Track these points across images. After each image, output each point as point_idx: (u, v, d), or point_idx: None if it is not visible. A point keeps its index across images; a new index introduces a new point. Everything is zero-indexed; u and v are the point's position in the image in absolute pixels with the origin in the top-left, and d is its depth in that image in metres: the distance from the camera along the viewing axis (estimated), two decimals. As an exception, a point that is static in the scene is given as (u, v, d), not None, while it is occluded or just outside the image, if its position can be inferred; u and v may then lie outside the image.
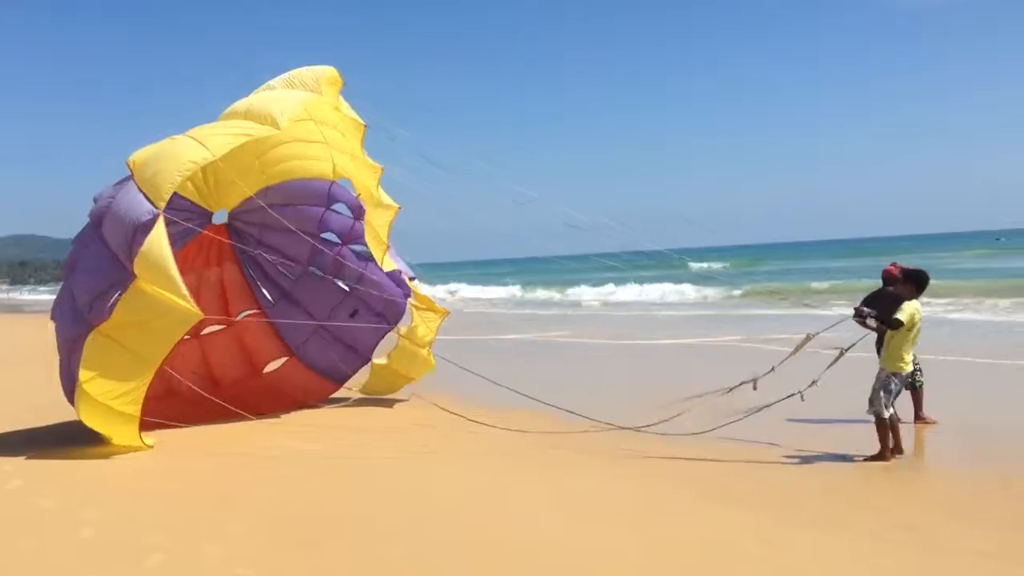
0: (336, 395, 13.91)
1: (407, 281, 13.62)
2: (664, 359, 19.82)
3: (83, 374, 9.52)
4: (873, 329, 9.80)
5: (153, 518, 7.40)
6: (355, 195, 12.85)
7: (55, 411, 11.34)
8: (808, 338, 9.80)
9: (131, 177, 10.12)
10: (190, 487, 8.71)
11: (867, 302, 10.18)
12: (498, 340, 23.08)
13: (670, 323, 27.90)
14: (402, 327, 13.74)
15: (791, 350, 9.96)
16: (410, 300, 13.74)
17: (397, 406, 13.38)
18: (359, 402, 13.50)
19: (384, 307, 13.77)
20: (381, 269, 13.01)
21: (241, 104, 11.18)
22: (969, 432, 10.42)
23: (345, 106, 12.34)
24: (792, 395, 9.61)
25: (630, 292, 42.50)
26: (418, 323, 13.63)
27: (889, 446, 9.07)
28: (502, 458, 9.75)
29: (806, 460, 9.19)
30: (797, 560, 6.13)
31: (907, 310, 9.07)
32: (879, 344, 9.77)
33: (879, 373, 9.23)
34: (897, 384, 9.17)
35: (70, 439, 10.44)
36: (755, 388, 9.93)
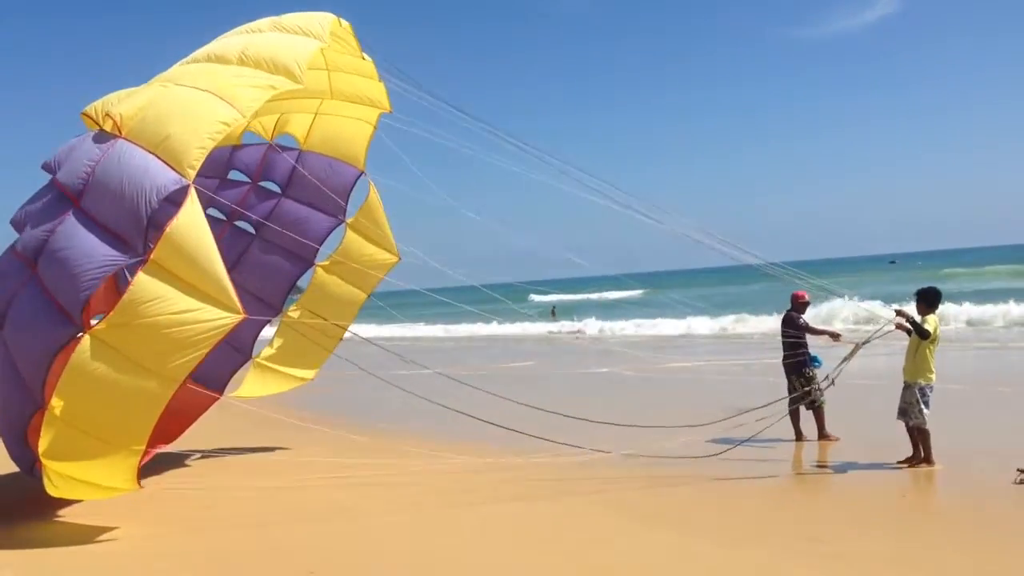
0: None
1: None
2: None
3: (65, 397, 7.37)
4: (906, 330, 10.13)
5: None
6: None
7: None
8: (857, 347, 10.49)
9: (120, 137, 8.06)
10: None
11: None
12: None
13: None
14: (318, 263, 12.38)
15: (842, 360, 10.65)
16: (349, 220, 12.34)
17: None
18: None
19: (301, 246, 11.99)
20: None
21: (227, 46, 9.22)
22: (870, 446, 10.94)
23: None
24: (805, 394, 10.82)
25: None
26: (354, 245, 12.27)
27: (932, 453, 9.64)
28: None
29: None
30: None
31: (931, 322, 9.76)
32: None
33: (910, 387, 9.78)
34: (929, 395, 9.72)
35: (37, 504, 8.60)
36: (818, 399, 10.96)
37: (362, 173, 12.26)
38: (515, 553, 7.13)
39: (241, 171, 12.04)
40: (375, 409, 12.94)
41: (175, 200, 7.70)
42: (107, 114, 8.32)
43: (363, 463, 10.11)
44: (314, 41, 9.19)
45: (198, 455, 10.77)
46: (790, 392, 11.65)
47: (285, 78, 8.58)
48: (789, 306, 12.08)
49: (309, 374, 12.70)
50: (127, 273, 8.14)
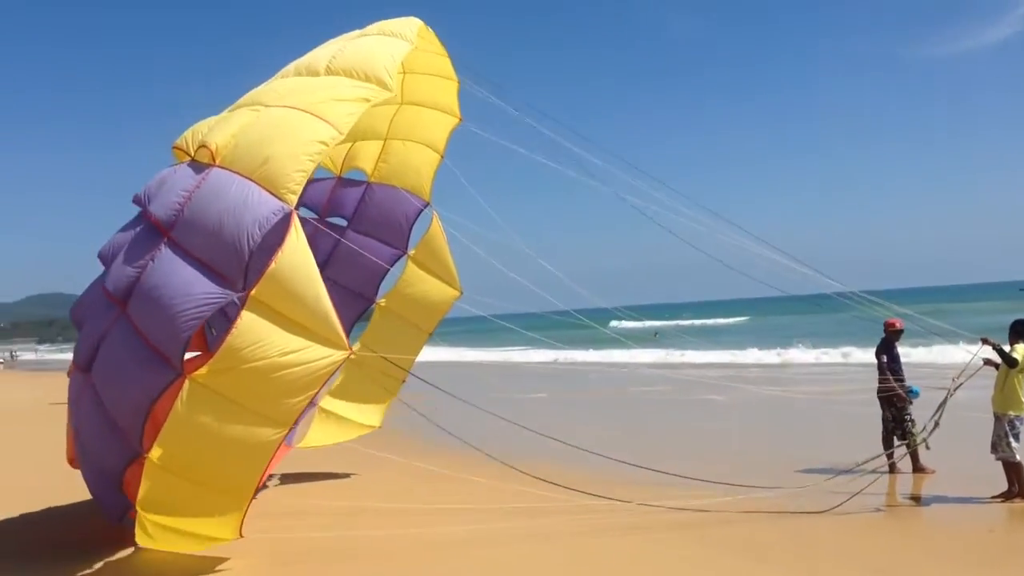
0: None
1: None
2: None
3: (168, 445, 7.03)
4: (993, 364, 9.91)
5: None
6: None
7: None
8: (949, 393, 10.14)
9: (214, 166, 7.68)
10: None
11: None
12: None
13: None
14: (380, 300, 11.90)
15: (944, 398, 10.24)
16: (410, 254, 11.85)
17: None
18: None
19: (363, 282, 11.82)
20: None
21: (315, 58, 8.94)
22: (967, 480, 10.54)
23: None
24: (917, 437, 10.62)
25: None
26: (415, 279, 11.77)
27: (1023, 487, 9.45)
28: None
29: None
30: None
31: (1020, 351, 9.61)
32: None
33: (1000, 419, 9.59)
34: (1019, 426, 9.50)
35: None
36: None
37: (427, 204, 11.83)
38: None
39: (308, 207, 11.56)
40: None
41: (278, 230, 7.25)
42: (203, 145, 7.96)
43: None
44: (402, 43, 8.84)
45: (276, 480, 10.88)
46: (884, 422, 11.46)
47: (376, 86, 8.17)
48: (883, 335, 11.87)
49: (375, 421, 12.13)
50: (225, 312, 7.90)
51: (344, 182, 11.94)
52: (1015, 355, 9.58)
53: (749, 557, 7.79)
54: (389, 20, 9.42)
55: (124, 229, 8.08)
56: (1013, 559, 7.84)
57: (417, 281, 11.89)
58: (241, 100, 8.79)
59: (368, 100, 8.09)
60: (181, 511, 7.39)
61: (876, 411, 11.61)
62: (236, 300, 7.16)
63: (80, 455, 8.34)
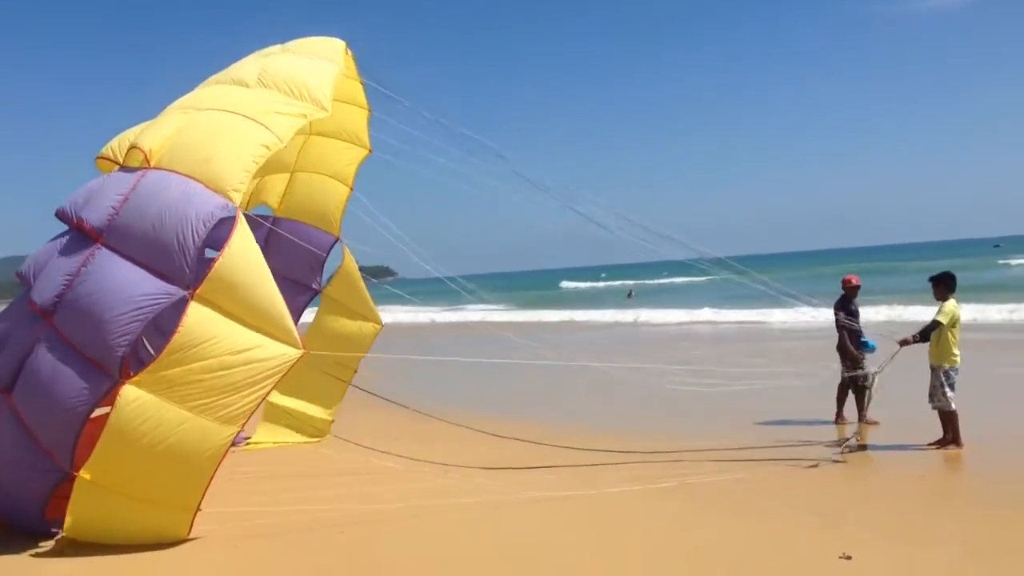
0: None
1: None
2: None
3: (105, 459, 6.58)
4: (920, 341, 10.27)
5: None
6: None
7: None
8: (873, 377, 10.84)
9: (149, 168, 7.43)
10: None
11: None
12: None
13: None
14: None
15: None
16: (326, 288, 11.54)
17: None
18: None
19: (307, 269, 11.40)
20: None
21: (242, 70, 8.78)
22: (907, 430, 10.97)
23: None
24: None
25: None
26: (330, 319, 11.44)
27: (960, 435, 9.91)
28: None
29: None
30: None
31: (945, 310, 10.10)
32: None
33: (935, 370, 10.06)
34: (954, 376, 9.97)
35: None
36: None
37: (337, 239, 11.55)
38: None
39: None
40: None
41: (223, 228, 7.11)
42: (134, 147, 7.70)
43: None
44: (331, 65, 8.86)
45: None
46: (841, 375, 11.79)
47: (312, 105, 8.17)
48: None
49: (327, 416, 11.64)
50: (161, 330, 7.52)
51: (250, 219, 11.25)
52: (939, 317, 10.06)
53: (696, 505, 8.11)
54: (312, 38, 9.48)
55: (47, 244, 7.60)
56: (939, 501, 8.39)
57: (332, 321, 11.58)
58: (168, 108, 8.56)
59: (306, 116, 8.18)
60: (119, 531, 6.80)
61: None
62: (185, 296, 6.85)
63: None
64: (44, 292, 7.02)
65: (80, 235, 7.28)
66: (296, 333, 7.14)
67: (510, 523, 7.75)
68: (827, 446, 10.30)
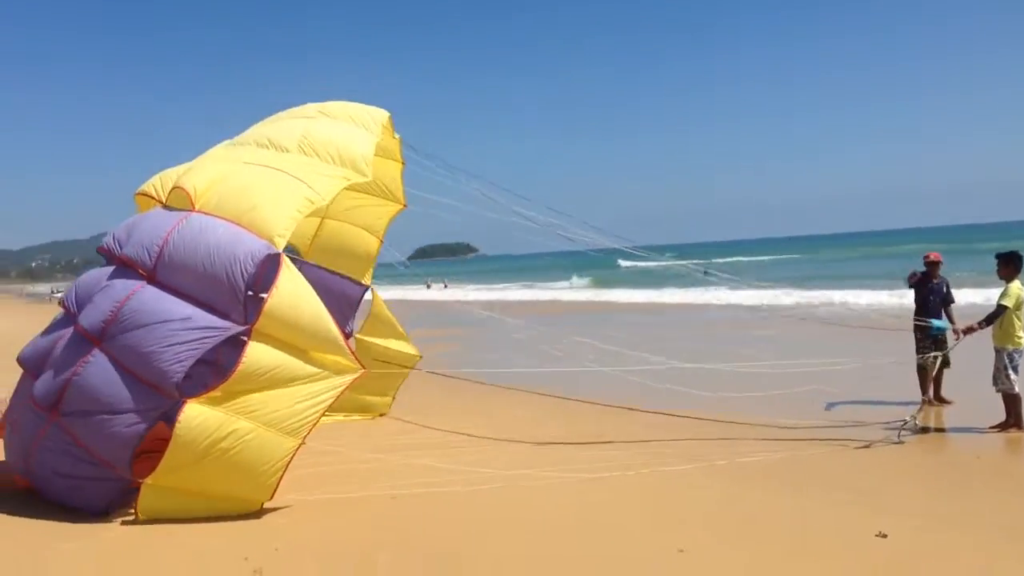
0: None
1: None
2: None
3: (171, 471, 7.03)
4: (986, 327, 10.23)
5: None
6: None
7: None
8: (937, 358, 11.01)
9: (194, 211, 7.89)
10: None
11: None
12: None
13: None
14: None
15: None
16: (357, 336, 11.48)
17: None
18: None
19: (339, 316, 10.67)
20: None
21: (282, 133, 9.07)
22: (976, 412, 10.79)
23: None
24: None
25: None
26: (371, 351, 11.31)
27: (1022, 418, 9.88)
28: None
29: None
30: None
31: (1010, 292, 10.02)
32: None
33: (999, 352, 10.03)
34: (1017, 359, 9.96)
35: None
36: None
37: (367, 288, 11.76)
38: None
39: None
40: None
41: (271, 268, 7.53)
42: (177, 187, 8.14)
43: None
44: (370, 135, 9.18)
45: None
46: (918, 352, 11.57)
47: (352, 171, 8.61)
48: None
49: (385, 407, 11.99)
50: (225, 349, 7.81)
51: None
52: (1004, 300, 9.97)
53: (736, 481, 8.26)
54: (354, 104, 9.73)
55: (89, 276, 8.06)
56: (988, 483, 8.28)
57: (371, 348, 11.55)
58: (208, 154, 9.09)
59: (348, 180, 8.57)
60: (192, 512, 7.22)
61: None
62: (243, 331, 7.29)
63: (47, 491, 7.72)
64: (92, 318, 7.43)
65: (124, 268, 7.72)
66: (351, 352, 7.60)
67: (566, 497, 7.97)
68: (885, 428, 10.29)
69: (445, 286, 64.54)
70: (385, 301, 11.83)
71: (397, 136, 10.52)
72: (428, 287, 62.89)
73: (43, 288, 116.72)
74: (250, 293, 7.54)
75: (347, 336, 11.19)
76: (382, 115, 9.70)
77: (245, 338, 7.29)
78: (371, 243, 11.79)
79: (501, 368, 13.14)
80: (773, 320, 24.08)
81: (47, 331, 8.12)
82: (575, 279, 64.08)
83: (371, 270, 11.91)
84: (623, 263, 66.33)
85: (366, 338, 11.60)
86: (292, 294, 7.46)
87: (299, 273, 7.67)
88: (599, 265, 52.26)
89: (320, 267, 11.22)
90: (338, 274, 11.44)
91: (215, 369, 8.16)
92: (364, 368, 7.58)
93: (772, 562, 6.08)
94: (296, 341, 7.40)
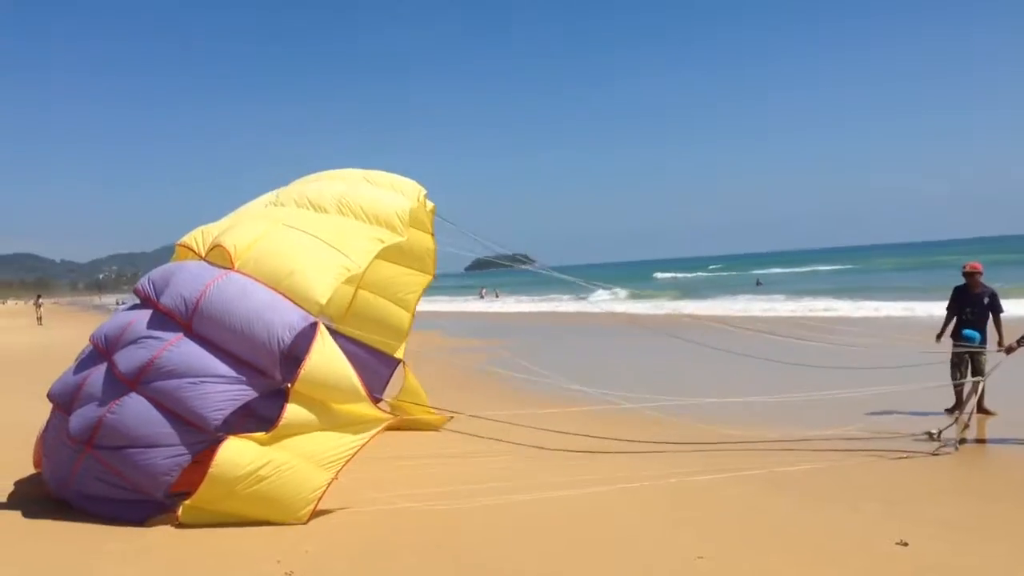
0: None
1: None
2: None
3: (208, 502, 7.36)
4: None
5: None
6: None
7: None
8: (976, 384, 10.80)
9: (233, 269, 8.22)
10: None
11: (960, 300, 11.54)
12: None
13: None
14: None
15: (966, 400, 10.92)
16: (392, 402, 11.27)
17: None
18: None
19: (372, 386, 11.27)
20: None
21: (321, 193, 9.40)
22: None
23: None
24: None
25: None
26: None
27: None
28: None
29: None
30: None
31: None
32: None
33: None
34: None
35: None
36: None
37: (399, 362, 12.16)
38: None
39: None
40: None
41: (305, 337, 7.79)
42: (218, 245, 8.44)
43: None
44: (406, 200, 9.53)
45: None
46: (952, 365, 11.43)
47: (388, 231, 8.98)
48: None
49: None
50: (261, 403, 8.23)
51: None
52: None
53: (763, 491, 8.28)
54: (393, 175, 10.07)
55: (121, 315, 8.43)
56: (1018, 495, 8.16)
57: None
58: (248, 208, 9.53)
59: (382, 241, 8.88)
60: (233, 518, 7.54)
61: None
62: (282, 388, 7.77)
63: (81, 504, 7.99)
64: (129, 363, 7.71)
65: (160, 315, 8.02)
66: (377, 409, 8.07)
67: (594, 509, 8.01)
68: (916, 438, 10.18)
69: (497, 296, 66.02)
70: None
71: (431, 204, 10.70)
72: (482, 296, 64.44)
73: (109, 299, 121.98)
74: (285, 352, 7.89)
75: (376, 402, 11.41)
76: (417, 189, 10.02)
77: (286, 387, 7.68)
78: (404, 318, 12.17)
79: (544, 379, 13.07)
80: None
81: (76, 368, 8.35)
82: (618, 291, 64.49)
83: (403, 345, 12.25)
84: (658, 275, 67.77)
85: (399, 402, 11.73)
86: (326, 359, 7.78)
87: (332, 341, 7.98)
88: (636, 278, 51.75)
89: (355, 341, 11.51)
90: (372, 349, 11.83)
91: (250, 413, 8.47)
92: (392, 417, 7.95)
93: (790, 570, 6.15)
94: (331, 398, 7.80)
